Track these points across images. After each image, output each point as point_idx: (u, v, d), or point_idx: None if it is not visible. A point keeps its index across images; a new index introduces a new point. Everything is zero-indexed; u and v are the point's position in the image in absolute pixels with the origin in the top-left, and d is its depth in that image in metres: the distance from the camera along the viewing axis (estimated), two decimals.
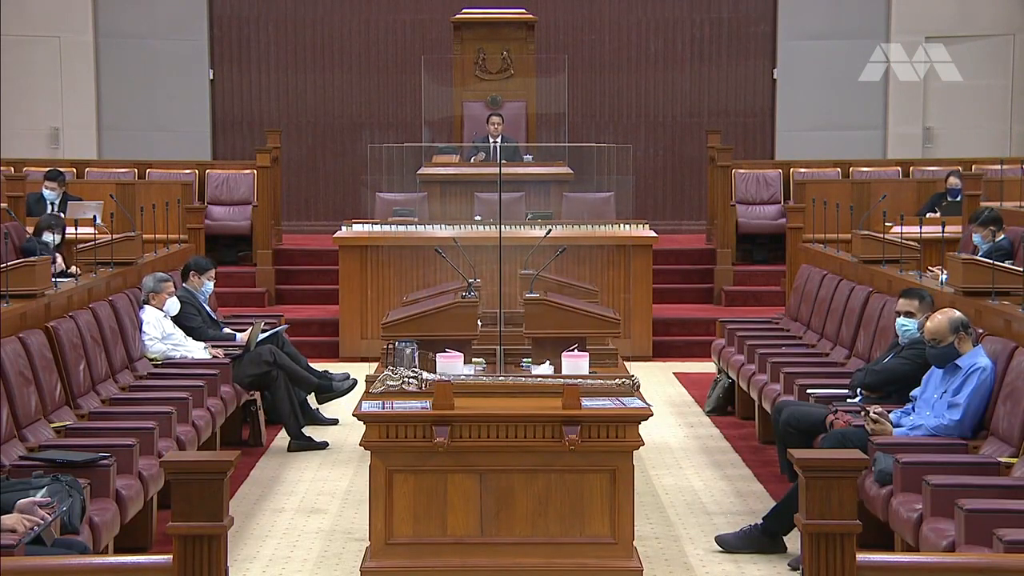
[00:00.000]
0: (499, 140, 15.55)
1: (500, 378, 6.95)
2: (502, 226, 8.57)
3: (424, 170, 15.08)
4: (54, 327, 8.05)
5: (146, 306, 9.74)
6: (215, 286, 10.75)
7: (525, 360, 7.64)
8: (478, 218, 13.88)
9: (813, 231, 12.93)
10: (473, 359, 7.55)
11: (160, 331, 9.71)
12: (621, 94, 19.09)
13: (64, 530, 5.81)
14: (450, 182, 14.87)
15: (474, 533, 6.42)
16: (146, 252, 11.39)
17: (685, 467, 9.21)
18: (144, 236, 11.61)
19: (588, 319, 7.58)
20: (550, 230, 11.72)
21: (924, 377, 7.41)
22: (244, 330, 10.23)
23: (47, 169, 14.56)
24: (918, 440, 7.04)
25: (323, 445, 9.77)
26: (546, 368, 7.31)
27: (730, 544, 7.27)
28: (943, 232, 10.47)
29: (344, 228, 13.47)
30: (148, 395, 8.58)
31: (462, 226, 13.43)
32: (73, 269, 10.73)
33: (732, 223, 15.79)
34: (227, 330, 10.34)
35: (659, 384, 12.07)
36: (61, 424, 7.55)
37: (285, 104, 19.06)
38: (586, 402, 6.48)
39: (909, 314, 7.93)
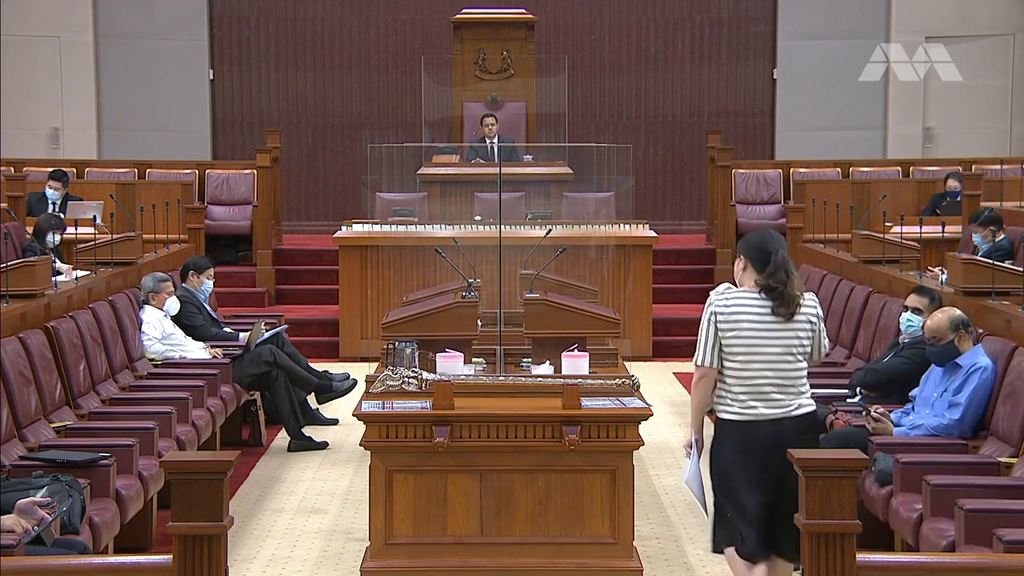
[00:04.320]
0: (495, 140, 15.55)
1: (500, 378, 6.95)
2: (502, 226, 8.57)
3: (424, 170, 15.08)
4: (54, 327, 8.05)
5: (146, 306, 9.74)
6: (215, 286, 10.75)
7: (525, 360, 7.64)
8: (478, 218, 13.88)
9: (813, 231, 12.93)
10: (473, 359, 7.55)
11: (160, 331, 9.72)
12: (621, 94, 19.09)
13: (64, 530, 5.81)
14: (450, 182, 14.87)
15: (474, 533, 6.43)
16: (146, 252, 11.39)
17: (685, 467, 9.19)
18: (144, 236, 11.61)
19: (588, 319, 7.58)
20: (550, 230, 11.72)
21: (923, 376, 7.41)
22: (246, 330, 10.24)
23: (51, 169, 14.55)
24: (918, 440, 7.04)
25: (323, 445, 9.77)
26: (546, 368, 7.31)
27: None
28: (943, 232, 10.48)
29: (344, 228, 13.47)
30: (148, 395, 8.58)
31: (462, 226, 13.42)
32: (64, 268, 10.68)
33: (732, 223, 15.78)
34: (228, 329, 10.35)
35: (659, 384, 12.07)
36: (61, 424, 7.55)
37: (285, 104, 19.06)
38: (586, 402, 6.48)
39: (917, 311, 7.91)
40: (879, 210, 12.30)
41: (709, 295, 5.72)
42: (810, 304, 5.68)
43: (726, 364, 5.64)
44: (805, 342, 5.64)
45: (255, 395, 9.96)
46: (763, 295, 5.60)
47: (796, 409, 5.63)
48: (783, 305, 5.56)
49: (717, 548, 5.86)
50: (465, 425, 6.36)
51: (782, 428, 5.57)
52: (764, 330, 5.60)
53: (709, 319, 5.66)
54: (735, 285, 5.79)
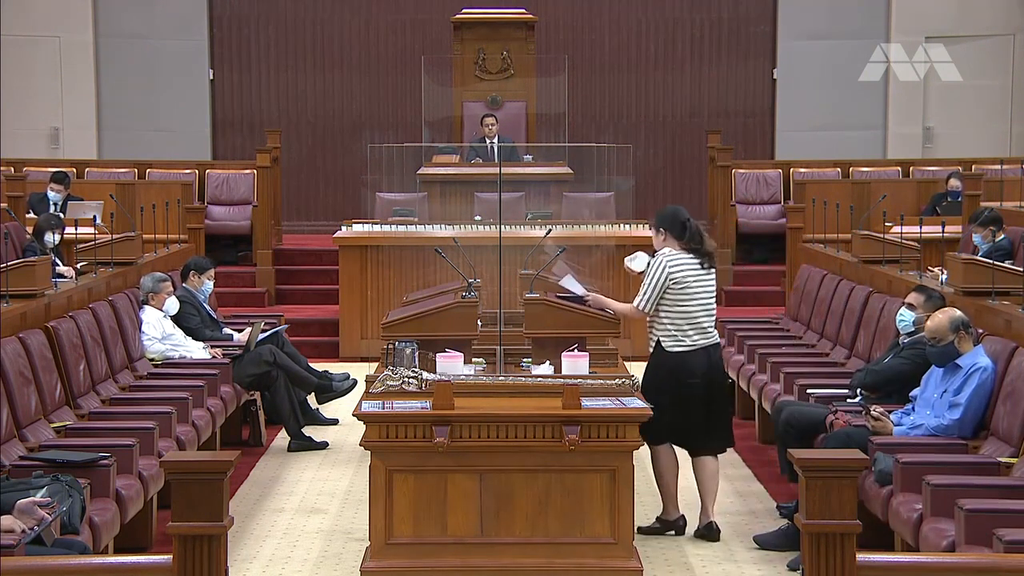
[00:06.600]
0: (495, 140, 15.54)
1: (500, 378, 6.96)
2: (502, 226, 8.57)
3: (424, 170, 15.07)
4: (54, 327, 8.05)
5: (146, 306, 9.74)
6: (215, 286, 10.75)
7: (525, 360, 7.63)
8: (478, 218, 13.87)
9: (813, 231, 12.92)
10: (473, 359, 7.55)
11: (160, 331, 9.72)
12: (621, 94, 19.09)
13: (64, 530, 5.81)
14: (450, 182, 14.86)
15: (474, 533, 6.43)
16: (146, 252, 11.39)
17: (685, 467, 9.19)
18: (144, 236, 11.61)
19: (588, 319, 7.58)
20: (550, 230, 11.71)
21: (924, 377, 7.41)
22: (242, 330, 10.24)
23: (53, 171, 14.53)
24: (918, 440, 7.04)
25: (323, 445, 9.77)
26: (546, 368, 7.31)
27: (769, 543, 7.26)
28: (943, 232, 10.47)
29: (344, 228, 13.46)
30: (148, 395, 8.59)
31: (462, 226, 13.41)
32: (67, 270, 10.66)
33: (732, 223, 15.78)
34: (226, 331, 10.34)
35: None
36: (61, 424, 7.55)
37: (285, 104, 19.06)
38: (586, 402, 6.48)
39: (911, 306, 7.93)
40: (879, 210, 12.29)
41: (655, 255, 7.46)
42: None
43: (676, 308, 7.37)
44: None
45: (255, 395, 9.96)
46: (692, 255, 7.40)
47: (716, 338, 7.54)
48: (709, 260, 7.46)
49: (650, 440, 7.34)
50: (465, 425, 6.36)
51: (710, 355, 7.45)
52: (700, 280, 7.42)
53: (662, 276, 7.36)
54: (651, 256, 7.49)
